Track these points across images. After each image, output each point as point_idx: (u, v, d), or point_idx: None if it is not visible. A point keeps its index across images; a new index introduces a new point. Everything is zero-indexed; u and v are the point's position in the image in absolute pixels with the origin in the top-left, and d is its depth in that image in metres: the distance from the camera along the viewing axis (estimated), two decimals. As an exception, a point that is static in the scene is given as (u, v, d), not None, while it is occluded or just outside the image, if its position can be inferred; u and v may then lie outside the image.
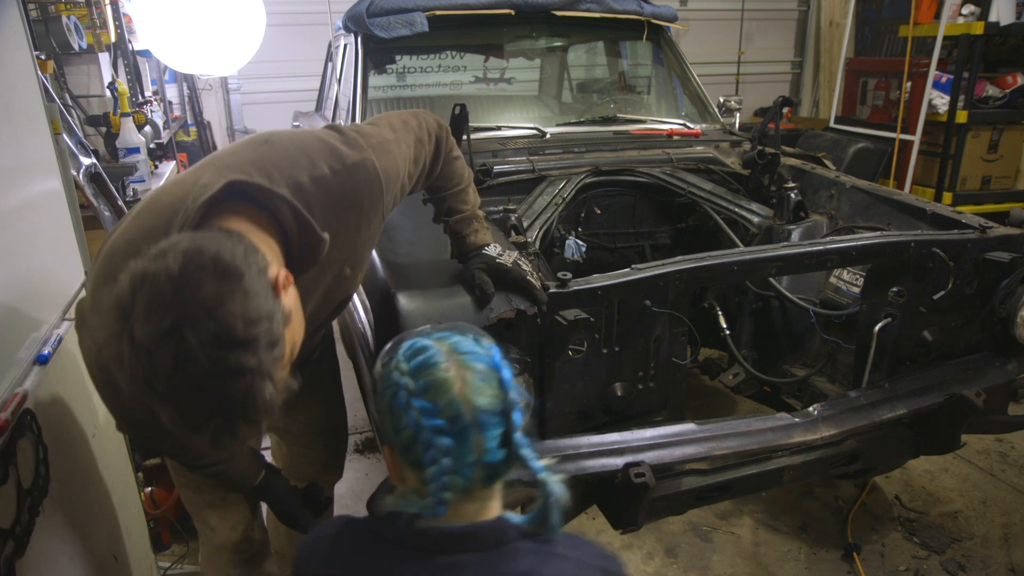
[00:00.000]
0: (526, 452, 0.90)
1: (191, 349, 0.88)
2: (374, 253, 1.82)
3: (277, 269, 1.05)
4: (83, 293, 1.95)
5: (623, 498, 1.80)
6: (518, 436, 0.89)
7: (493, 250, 1.64)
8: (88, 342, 1.30)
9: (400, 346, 0.96)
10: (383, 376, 0.95)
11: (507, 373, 0.91)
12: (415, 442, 0.88)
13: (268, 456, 2.13)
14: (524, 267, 1.64)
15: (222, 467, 1.50)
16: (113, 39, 3.70)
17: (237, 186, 1.13)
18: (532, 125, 2.82)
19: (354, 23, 2.95)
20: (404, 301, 1.60)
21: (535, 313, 1.63)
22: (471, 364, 0.91)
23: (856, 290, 2.33)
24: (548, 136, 2.76)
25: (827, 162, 2.98)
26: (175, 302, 0.88)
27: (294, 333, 1.08)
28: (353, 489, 2.93)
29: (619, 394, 1.85)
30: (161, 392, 0.91)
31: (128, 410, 1.28)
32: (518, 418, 0.89)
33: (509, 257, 1.63)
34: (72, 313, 1.84)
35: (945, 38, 4.73)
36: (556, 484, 0.92)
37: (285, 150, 1.28)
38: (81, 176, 2.51)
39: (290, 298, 1.07)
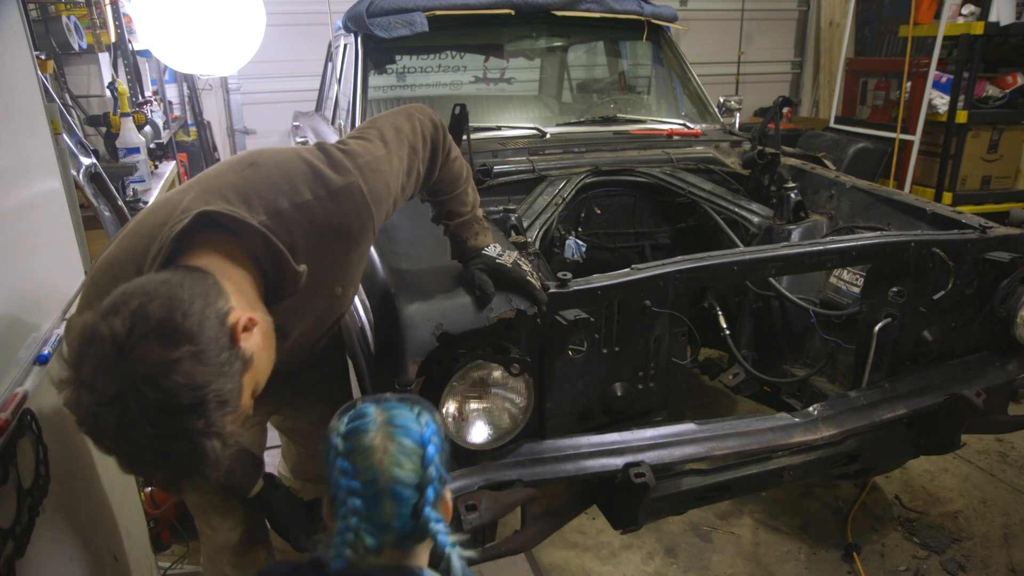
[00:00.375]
0: (435, 527, 0.95)
1: (134, 417, 0.91)
2: (374, 253, 1.82)
3: (239, 313, 1.06)
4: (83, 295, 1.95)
5: (623, 498, 1.80)
6: (428, 510, 0.95)
7: (493, 250, 1.63)
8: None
9: (350, 409, 1.04)
10: (326, 439, 1.02)
11: (431, 450, 0.98)
12: (335, 497, 0.97)
13: (278, 456, 2.15)
14: (524, 267, 1.63)
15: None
16: (113, 39, 3.70)
17: (208, 216, 1.13)
18: (532, 125, 2.82)
19: (354, 23, 2.95)
20: (404, 302, 1.60)
21: (535, 313, 1.62)
22: (398, 437, 0.98)
23: (856, 290, 2.33)
24: (548, 136, 2.76)
25: (827, 162, 2.98)
26: (119, 372, 0.91)
27: (257, 374, 1.10)
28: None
29: (619, 394, 1.85)
30: (108, 446, 0.96)
31: None
32: (431, 494, 0.95)
33: (509, 257, 1.63)
34: (72, 313, 1.84)
35: (945, 38, 4.73)
36: (459, 559, 0.96)
37: (268, 175, 1.26)
38: (81, 176, 2.51)
39: (253, 341, 1.08)
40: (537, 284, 1.62)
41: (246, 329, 1.06)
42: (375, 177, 1.33)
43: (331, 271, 1.35)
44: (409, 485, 0.96)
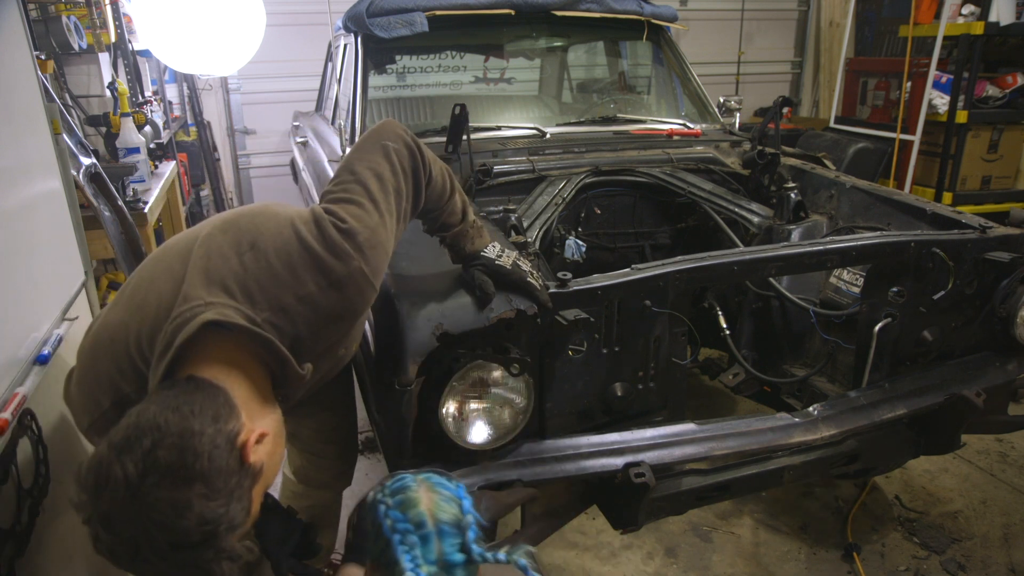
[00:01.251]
0: (483, 555, 1.07)
1: (147, 556, 0.98)
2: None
3: (249, 429, 1.10)
4: (83, 295, 1.95)
5: (623, 498, 1.80)
6: (474, 547, 1.07)
7: (492, 251, 1.63)
8: (75, 418, 1.35)
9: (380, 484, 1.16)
10: (368, 507, 1.13)
11: (467, 503, 1.12)
12: (388, 546, 1.06)
13: (283, 461, 2.14)
14: (524, 267, 1.64)
15: None
16: (113, 39, 3.70)
17: (214, 326, 1.15)
18: (532, 125, 2.82)
19: (354, 23, 2.95)
20: (404, 302, 1.60)
21: (535, 313, 1.62)
22: (438, 490, 1.12)
23: (856, 290, 2.33)
24: (548, 136, 2.76)
25: (827, 162, 2.98)
26: (132, 515, 0.98)
27: (267, 479, 1.16)
28: (353, 489, 2.92)
29: (619, 394, 1.85)
30: (125, 569, 1.02)
31: None
32: (472, 535, 1.08)
33: (508, 258, 1.63)
34: (72, 312, 1.84)
35: (945, 38, 4.73)
36: (526, 560, 1.08)
37: (269, 265, 1.24)
38: (81, 176, 2.51)
39: (263, 451, 1.12)
40: (538, 284, 1.63)
41: (257, 442, 1.11)
42: (375, 253, 1.32)
43: (335, 342, 1.40)
44: (453, 526, 1.08)
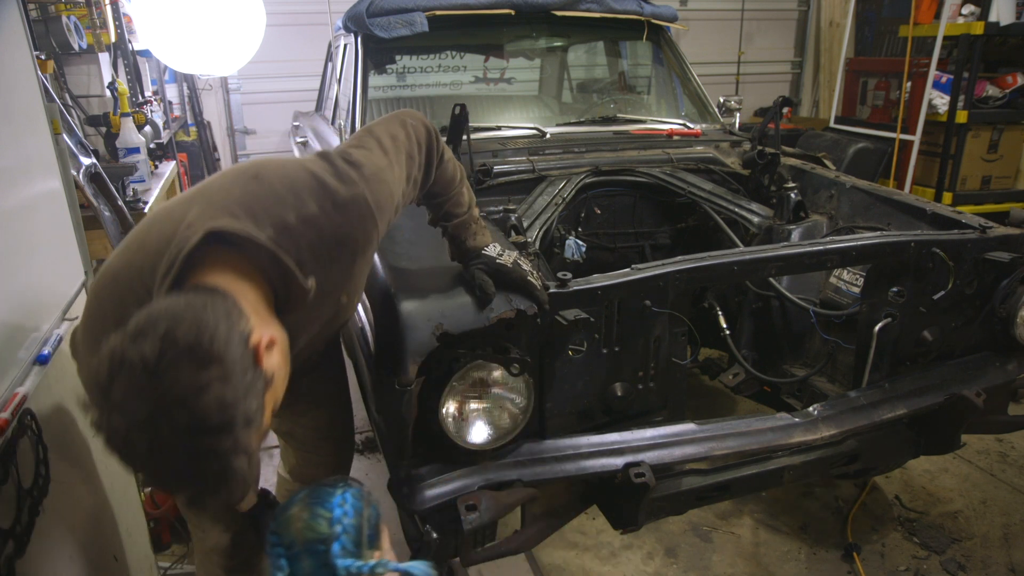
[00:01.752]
0: (347, 568, 1.14)
1: (165, 439, 0.94)
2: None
3: (260, 333, 1.07)
4: (83, 295, 1.95)
5: (623, 498, 1.80)
6: (337, 561, 1.14)
7: (493, 250, 1.63)
8: (82, 373, 1.33)
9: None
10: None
11: (338, 512, 1.18)
12: (272, 564, 1.18)
13: (276, 459, 2.14)
14: (524, 267, 1.63)
15: None
16: (113, 39, 3.70)
17: (217, 235, 1.13)
18: (532, 125, 2.82)
19: (354, 23, 2.95)
20: (404, 302, 1.60)
21: (535, 313, 1.62)
22: (312, 507, 1.19)
23: (856, 290, 2.33)
24: (548, 136, 2.76)
25: (827, 162, 2.98)
26: (151, 395, 0.94)
27: (276, 391, 1.13)
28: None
29: (619, 394, 1.85)
30: (138, 466, 1.00)
31: None
32: (337, 547, 1.15)
33: (509, 257, 1.63)
34: (72, 313, 1.84)
35: (945, 38, 4.73)
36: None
37: (272, 188, 1.25)
38: (81, 176, 2.51)
39: (274, 359, 1.10)
40: (538, 284, 1.62)
41: (268, 348, 1.08)
42: (380, 187, 1.33)
43: (337, 281, 1.36)
44: (320, 542, 1.15)
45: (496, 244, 1.66)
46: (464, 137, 2.40)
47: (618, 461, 1.74)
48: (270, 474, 2.20)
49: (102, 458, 1.93)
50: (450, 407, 1.62)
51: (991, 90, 4.82)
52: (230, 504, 1.05)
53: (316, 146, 3.52)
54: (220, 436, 0.96)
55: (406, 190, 1.44)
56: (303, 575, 1.16)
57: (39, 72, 1.83)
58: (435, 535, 1.62)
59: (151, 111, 4.16)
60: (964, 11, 4.77)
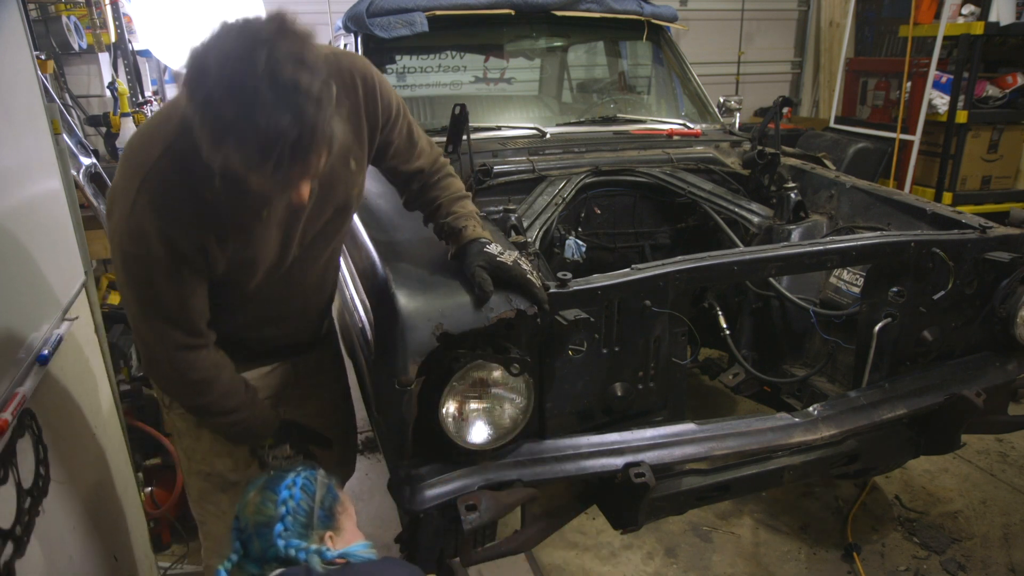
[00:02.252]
0: (288, 549, 1.24)
1: (280, 59, 1.06)
2: (374, 253, 1.82)
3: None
4: (83, 295, 1.95)
5: (623, 498, 1.80)
6: (279, 541, 1.24)
7: (494, 248, 1.63)
8: (115, 218, 1.33)
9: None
10: None
11: (285, 494, 1.28)
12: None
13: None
14: (524, 266, 1.63)
15: (245, 414, 1.56)
16: (113, 39, 3.70)
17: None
18: (532, 125, 2.82)
19: (354, 23, 2.95)
20: (404, 301, 1.60)
21: (535, 313, 1.62)
22: (264, 492, 1.30)
23: (856, 290, 2.33)
24: (548, 136, 2.76)
25: (827, 162, 2.98)
26: (267, 27, 1.09)
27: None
28: (353, 489, 2.92)
29: (619, 394, 1.85)
30: (242, 101, 1.05)
31: (164, 276, 1.35)
32: (280, 527, 1.25)
33: (509, 256, 1.63)
34: (72, 312, 1.84)
35: (945, 38, 4.73)
36: (317, 563, 1.23)
37: None
38: (81, 176, 2.51)
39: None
40: (537, 283, 1.62)
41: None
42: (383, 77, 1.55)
43: (345, 131, 1.44)
44: (266, 524, 1.26)
45: (497, 244, 1.66)
46: (464, 137, 2.40)
47: (618, 461, 1.74)
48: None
49: (102, 458, 1.94)
50: (450, 407, 1.62)
51: (991, 90, 4.82)
52: (318, 162, 1.16)
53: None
54: (314, 77, 1.09)
55: (406, 117, 1.62)
56: (254, 555, 1.27)
57: (39, 72, 1.83)
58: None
59: (151, 111, 4.16)
60: (964, 11, 4.77)
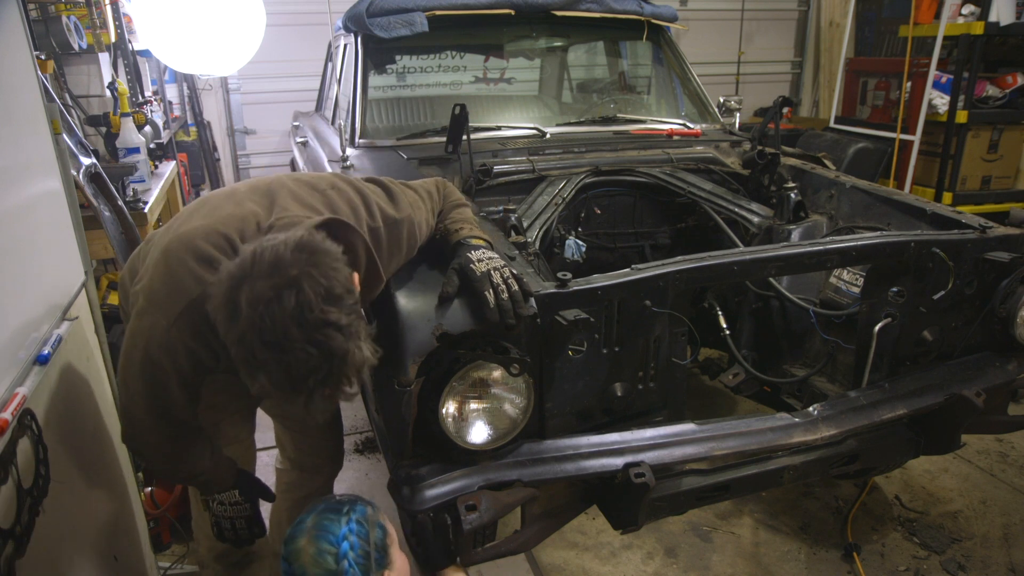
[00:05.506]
0: None
1: (309, 299, 1.12)
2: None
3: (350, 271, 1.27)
4: (83, 295, 1.95)
5: (623, 498, 1.80)
6: None
7: (475, 253, 1.60)
8: (149, 322, 1.38)
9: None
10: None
11: (344, 547, 1.27)
12: None
13: (276, 454, 2.16)
14: (496, 279, 1.55)
15: (207, 477, 1.61)
16: (113, 39, 3.70)
17: (334, 223, 1.40)
18: (532, 125, 2.82)
19: (354, 23, 2.95)
20: (403, 301, 1.60)
21: (534, 313, 1.62)
22: (317, 541, 1.27)
23: (856, 290, 2.33)
24: (548, 136, 2.76)
25: (827, 162, 2.98)
26: (295, 262, 1.14)
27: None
28: (353, 489, 2.93)
29: (619, 394, 1.85)
30: (273, 344, 1.11)
31: (162, 402, 1.43)
32: None
33: (486, 264, 1.58)
34: (72, 312, 1.84)
35: (945, 38, 4.73)
36: None
37: (351, 200, 1.54)
38: (81, 176, 2.51)
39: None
40: (492, 300, 1.53)
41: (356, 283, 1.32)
42: (418, 213, 1.68)
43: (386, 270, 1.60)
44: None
45: (485, 249, 1.64)
46: (464, 137, 2.40)
47: (618, 461, 1.74)
48: (269, 473, 2.21)
49: (102, 458, 1.94)
50: (450, 407, 1.62)
51: (991, 90, 4.82)
52: (349, 386, 1.23)
53: (316, 146, 3.52)
54: (342, 311, 1.16)
55: (429, 220, 1.75)
56: None
57: (39, 72, 1.83)
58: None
59: (151, 111, 4.16)
60: (964, 11, 4.76)
